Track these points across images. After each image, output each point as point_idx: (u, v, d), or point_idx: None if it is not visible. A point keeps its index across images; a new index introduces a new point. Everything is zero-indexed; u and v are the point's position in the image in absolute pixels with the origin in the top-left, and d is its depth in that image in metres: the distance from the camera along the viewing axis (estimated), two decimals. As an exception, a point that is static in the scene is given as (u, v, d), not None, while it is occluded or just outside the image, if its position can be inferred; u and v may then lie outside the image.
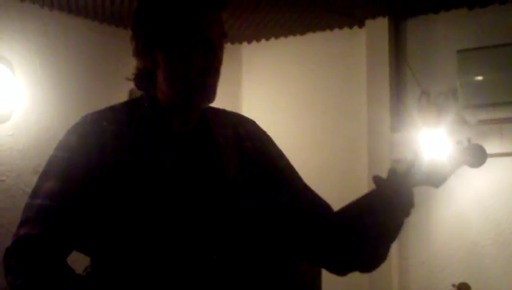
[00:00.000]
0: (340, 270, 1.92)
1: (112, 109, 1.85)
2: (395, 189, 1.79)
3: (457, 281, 3.82)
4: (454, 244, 4.46)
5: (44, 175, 1.76)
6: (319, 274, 4.08)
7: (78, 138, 1.76)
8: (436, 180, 1.89)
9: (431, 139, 4.32)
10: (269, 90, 5.36)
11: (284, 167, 1.93)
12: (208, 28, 1.74)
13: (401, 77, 4.79)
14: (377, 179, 1.81)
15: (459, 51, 4.34)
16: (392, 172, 1.82)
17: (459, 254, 4.44)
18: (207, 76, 1.76)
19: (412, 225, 4.48)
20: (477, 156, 1.91)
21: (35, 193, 1.74)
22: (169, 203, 1.73)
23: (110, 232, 1.72)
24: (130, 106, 1.85)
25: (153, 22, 1.77)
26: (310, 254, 1.91)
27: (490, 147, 3.99)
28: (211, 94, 1.79)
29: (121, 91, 4.25)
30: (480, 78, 4.24)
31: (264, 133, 1.96)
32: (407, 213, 1.81)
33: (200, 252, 1.73)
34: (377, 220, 1.79)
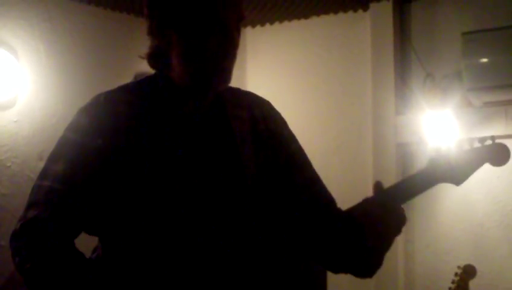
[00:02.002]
0: (332, 268, 1.91)
1: (124, 88, 1.82)
2: (384, 210, 1.77)
3: (462, 263, 3.80)
4: (460, 227, 4.46)
5: (54, 157, 1.73)
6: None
7: (89, 120, 1.73)
8: (458, 177, 1.87)
9: (436, 122, 4.32)
10: (274, 75, 5.34)
11: (296, 151, 1.92)
12: (224, 11, 1.70)
13: (406, 59, 4.77)
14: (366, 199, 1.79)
15: (463, 34, 4.31)
16: (378, 189, 1.79)
17: (465, 237, 4.43)
18: (222, 60, 1.73)
19: (417, 208, 4.47)
20: (500, 155, 1.89)
21: (44, 175, 1.72)
22: (182, 186, 1.71)
23: (121, 215, 1.71)
24: (142, 86, 1.82)
25: (167, 1, 1.73)
26: (306, 247, 1.89)
27: (495, 129, 4.02)
28: (226, 78, 1.76)
29: (126, 77, 4.24)
30: (485, 60, 4.22)
31: (278, 114, 1.95)
32: (398, 231, 1.79)
33: (211, 235, 1.72)
34: (366, 237, 1.76)
